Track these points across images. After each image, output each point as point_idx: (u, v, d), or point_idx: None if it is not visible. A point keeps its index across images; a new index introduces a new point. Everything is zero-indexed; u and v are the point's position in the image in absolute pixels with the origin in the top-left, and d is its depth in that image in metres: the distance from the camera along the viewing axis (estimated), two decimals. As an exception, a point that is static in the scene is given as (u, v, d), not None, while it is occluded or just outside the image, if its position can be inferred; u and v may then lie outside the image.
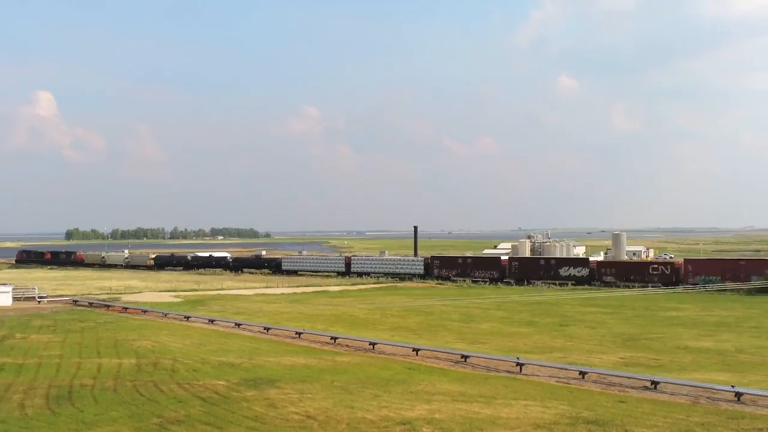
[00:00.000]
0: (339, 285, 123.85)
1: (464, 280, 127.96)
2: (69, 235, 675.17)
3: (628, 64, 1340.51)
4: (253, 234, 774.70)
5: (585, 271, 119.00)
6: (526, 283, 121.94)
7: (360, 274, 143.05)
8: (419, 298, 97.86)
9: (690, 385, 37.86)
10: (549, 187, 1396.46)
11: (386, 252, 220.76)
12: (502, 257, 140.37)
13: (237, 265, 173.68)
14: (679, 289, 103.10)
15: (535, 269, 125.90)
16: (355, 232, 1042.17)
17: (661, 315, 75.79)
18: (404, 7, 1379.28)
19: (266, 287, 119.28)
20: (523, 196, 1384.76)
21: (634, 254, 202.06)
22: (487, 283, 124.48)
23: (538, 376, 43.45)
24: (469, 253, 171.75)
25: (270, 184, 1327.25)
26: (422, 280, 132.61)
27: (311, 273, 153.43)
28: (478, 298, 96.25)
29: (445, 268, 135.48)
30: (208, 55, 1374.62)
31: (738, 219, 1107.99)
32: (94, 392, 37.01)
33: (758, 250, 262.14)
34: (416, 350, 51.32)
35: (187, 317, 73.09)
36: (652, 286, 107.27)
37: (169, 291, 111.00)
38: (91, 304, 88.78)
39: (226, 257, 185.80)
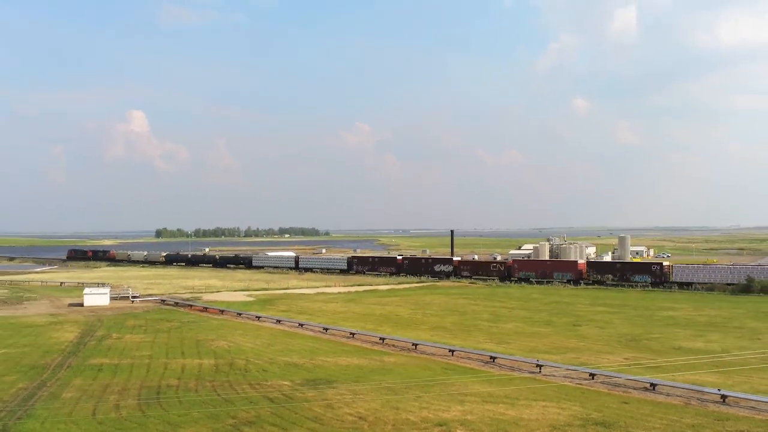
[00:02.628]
0: (387, 284, 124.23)
1: (376, 274, 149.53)
2: (158, 233, 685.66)
3: (631, 87, 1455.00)
4: (314, 232, 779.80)
5: (450, 268, 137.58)
6: (416, 275, 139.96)
7: (307, 270, 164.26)
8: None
9: (683, 388, 38.24)
10: (565, 191, 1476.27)
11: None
12: (398, 257, 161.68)
13: (222, 262, 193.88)
14: (512, 283, 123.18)
15: (420, 266, 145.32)
16: (401, 230, 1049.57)
17: (659, 315, 75.34)
18: (444, 40, 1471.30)
19: (325, 286, 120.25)
20: (543, 199, 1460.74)
21: (637, 254, 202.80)
22: (387, 276, 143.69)
23: (554, 376, 43.86)
24: (377, 255, 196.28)
25: (329, 189, 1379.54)
26: (344, 275, 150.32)
27: (273, 267, 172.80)
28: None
29: (360, 265, 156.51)
30: (277, 80, 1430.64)
31: (726, 218, 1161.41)
32: (179, 393, 38.26)
33: (742, 249, 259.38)
34: (452, 351, 51.98)
35: (258, 317, 74.32)
36: (491, 279, 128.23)
37: (242, 290, 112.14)
38: (176, 304, 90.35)
39: (214, 256, 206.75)
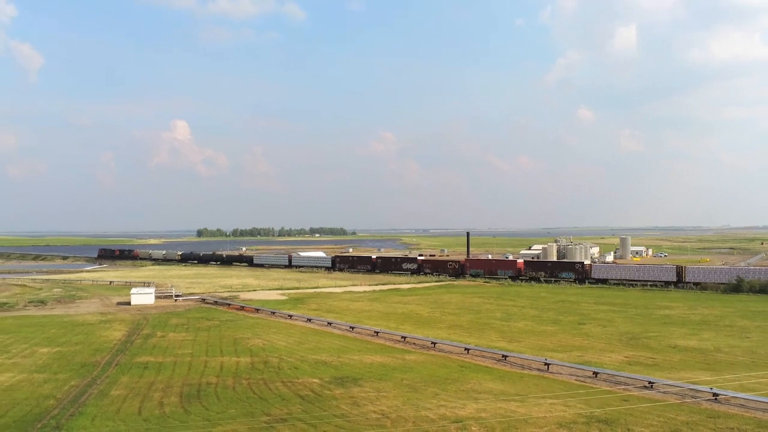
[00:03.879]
0: (408, 283, 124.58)
1: (354, 271, 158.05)
2: (199, 233, 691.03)
3: (633, 98, 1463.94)
4: (342, 232, 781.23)
5: (414, 266, 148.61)
6: (387, 272, 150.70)
7: (297, 266, 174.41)
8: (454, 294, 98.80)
9: (678, 386, 38.55)
10: (572, 194, 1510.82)
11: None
12: (373, 257, 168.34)
13: (228, 260, 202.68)
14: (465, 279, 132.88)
15: (391, 264, 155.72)
16: (422, 229, 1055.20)
17: (657, 314, 75.18)
18: (462, 56, 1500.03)
19: (352, 285, 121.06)
20: (552, 202, 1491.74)
21: (637, 253, 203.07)
22: (363, 273, 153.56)
23: (561, 374, 44.32)
24: (355, 254, 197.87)
25: (356, 192, 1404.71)
26: (328, 272, 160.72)
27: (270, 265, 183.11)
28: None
29: (342, 263, 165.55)
30: (309, 92, 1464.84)
31: (718, 219, 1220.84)
32: (217, 390, 39.25)
33: (733, 248, 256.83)
34: (467, 349, 52.51)
35: (290, 315, 75.36)
36: (448, 276, 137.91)
37: (276, 289, 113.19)
38: (216, 303, 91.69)
39: (221, 255, 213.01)
